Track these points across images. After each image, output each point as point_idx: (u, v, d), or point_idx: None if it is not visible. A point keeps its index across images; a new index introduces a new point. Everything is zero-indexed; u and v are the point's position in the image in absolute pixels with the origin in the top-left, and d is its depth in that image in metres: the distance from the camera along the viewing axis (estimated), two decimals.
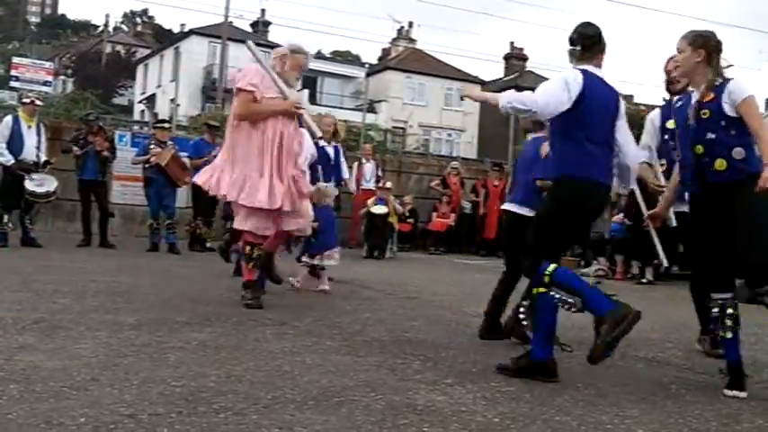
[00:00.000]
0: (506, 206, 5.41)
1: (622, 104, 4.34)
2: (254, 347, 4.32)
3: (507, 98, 4.01)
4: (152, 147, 11.31)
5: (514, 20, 78.11)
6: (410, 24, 53.32)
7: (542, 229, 4.13)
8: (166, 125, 12.36)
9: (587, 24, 4.21)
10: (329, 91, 45.08)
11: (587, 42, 4.17)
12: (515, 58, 54.03)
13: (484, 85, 49.99)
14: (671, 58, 5.29)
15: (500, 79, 53.32)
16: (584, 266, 12.13)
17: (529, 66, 54.08)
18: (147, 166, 11.30)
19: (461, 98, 5.00)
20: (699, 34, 4.13)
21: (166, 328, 4.70)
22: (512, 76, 52.47)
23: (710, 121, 4.00)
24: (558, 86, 4.02)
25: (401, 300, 7.10)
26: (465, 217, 16.12)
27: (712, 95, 4.02)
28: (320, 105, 34.01)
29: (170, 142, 11.56)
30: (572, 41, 4.20)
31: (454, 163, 17.40)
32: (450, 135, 45.68)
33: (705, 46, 4.08)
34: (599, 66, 4.20)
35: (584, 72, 4.07)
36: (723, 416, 3.47)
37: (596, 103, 4.06)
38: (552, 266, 3.97)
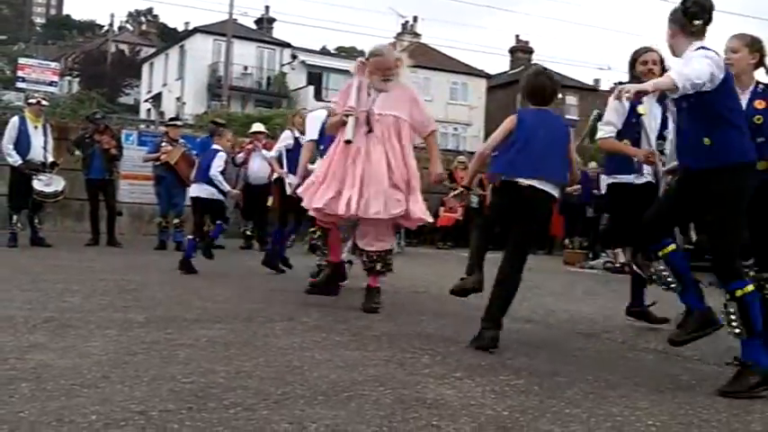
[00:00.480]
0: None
1: None
2: (263, 343, 4.33)
3: (681, 79, 3.61)
4: (163, 145, 11.32)
5: (519, 13, 77.97)
6: (414, 19, 53.23)
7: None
8: (178, 123, 12.36)
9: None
10: (335, 87, 45.04)
11: (707, 17, 3.85)
12: (521, 51, 53.99)
13: (489, 78, 50.02)
14: (647, 50, 5.40)
15: (505, 72, 53.27)
16: (591, 259, 12.14)
17: (534, 59, 54.00)
18: (157, 164, 11.33)
19: (618, 99, 4.44)
20: (755, 38, 4.24)
21: (176, 326, 4.71)
22: (517, 70, 52.41)
23: (763, 126, 4.18)
24: (711, 62, 3.70)
25: (409, 294, 7.10)
26: (472, 211, 16.11)
27: (764, 103, 4.17)
28: (326, 101, 33.99)
29: (181, 140, 11.57)
30: (694, 15, 3.82)
31: (461, 157, 17.35)
32: (456, 129, 45.64)
33: (761, 50, 4.16)
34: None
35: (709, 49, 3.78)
36: (734, 406, 3.47)
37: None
38: (749, 288, 3.84)
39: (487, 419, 3.03)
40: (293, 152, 8.19)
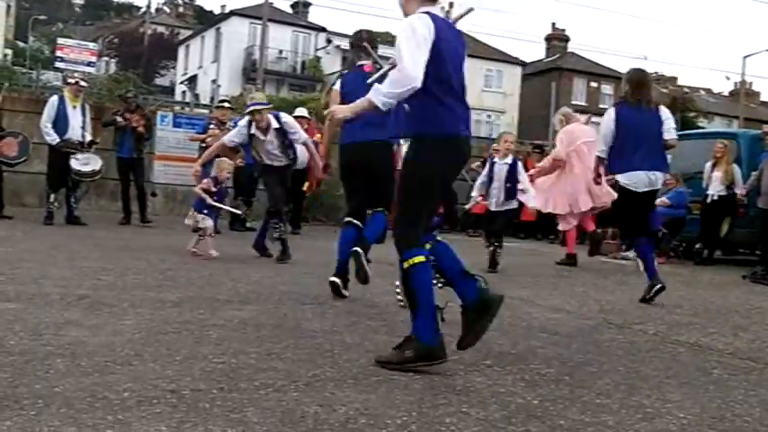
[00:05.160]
0: None
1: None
2: (294, 326, 4.35)
3: (379, 99, 3.50)
4: (211, 127, 11.33)
5: (556, 0, 77.06)
6: (450, 5, 52.89)
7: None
8: (226, 105, 12.33)
9: None
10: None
11: None
12: (557, 39, 53.51)
13: (524, 66, 49.63)
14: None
15: (540, 60, 52.82)
16: (625, 250, 12.01)
17: (570, 47, 53.48)
18: (202, 145, 11.37)
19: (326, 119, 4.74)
20: None
21: (208, 306, 4.75)
22: (552, 57, 51.96)
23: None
24: (413, 43, 3.46)
25: (439, 280, 7.07)
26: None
27: None
28: None
29: (230, 123, 11.55)
30: None
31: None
32: (489, 117, 45.41)
33: None
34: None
35: (430, 15, 3.57)
36: (767, 401, 3.42)
37: (447, 50, 3.57)
38: (420, 258, 3.62)
39: (517, 407, 3.02)
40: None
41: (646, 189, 6.46)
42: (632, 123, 6.50)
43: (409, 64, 3.42)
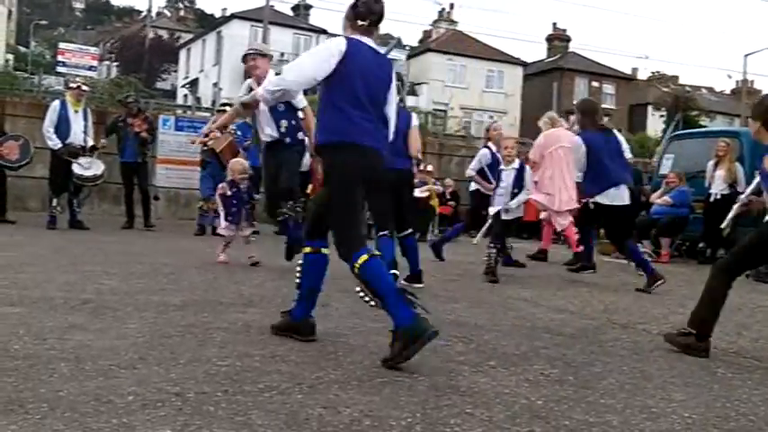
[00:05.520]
0: None
1: (394, 86, 4.15)
2: None
3: (261, 93, 4.06)
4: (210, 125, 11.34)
5: (557, 0, 77.11)
6: (451, 6, 52.98)
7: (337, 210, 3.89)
8: (227, 109, 12.33)
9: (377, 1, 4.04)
10: None
11: (375, 18, 4.03)
12: (558, 39, 53.54)
13: (526, 66, 49.63)
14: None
15: (542, 60, 52.82)
16: None
17: (571, 47, 53.48)
18: (204, 148, 11.38)
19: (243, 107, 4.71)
20: None
21: (211, 309, 4.76)
22: (554, 58, 51.97)
23: None
24: (321, 55, 3.92)
25: (443, 282, 7.09)
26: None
27: None
28: None
29: (232, 127, 11.52)
30: (363, 16, 3.99)
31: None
32: (491, 117, 45.33)
33: None
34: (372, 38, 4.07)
35: (349, 39, 3.93)
36: None
37: (361, 70, 3.88)
38: (364, 257, 3.71)
39: (521, 408, 3.02)
40: (492, 167, 8.92)
41: (623, 203, 7.33)
42: (600, 146, 7.42)
43: (290, 69, 3.98)
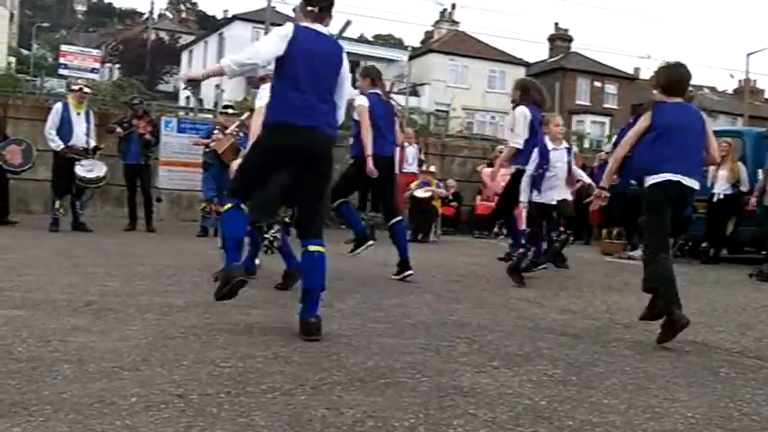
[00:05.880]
0: None
1: (345, 66, 4.45)
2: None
3: (227, 62, 4.29)
4: (215, 133, 11.35)
5: (559, 0, 77.03)
6: (453, 6, 52.99)
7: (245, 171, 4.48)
8: (230, 111, 12.37)
9: None
10: None
11: (325, 5, 4.38)
12: (560, 39, 53.47)
13: (528, 66, 49.60)
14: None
15: (544, 61, 52.78)
16: (630, 249, 12.00)
17: (574, 47, 53.44)
18: (206, 150, 11.39)
19: (185, 86, 5.25)
20: None
21: (214, 311, 4.76)
22: (556, 58, 51.92)
23: None
24: (272, 38, 4.32)
25: (446, 283, 7.09)
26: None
27: None
28: None
29: (234, 129, 11.52)
30: (312, 2, 4.34)
31: (500, 147, 17.19)
32: (493, 118, 45.33)
33: None
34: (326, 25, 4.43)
35: (296, 26, 4.32)
36: None
37: (304, 54, 4.24)
38: (228, 206, 4.36)
39: (525, 409, 3.02)
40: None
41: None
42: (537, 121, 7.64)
43: (259, 45, 4.35)
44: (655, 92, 4.83)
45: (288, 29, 4.25)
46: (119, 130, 11.30)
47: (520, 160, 7.56)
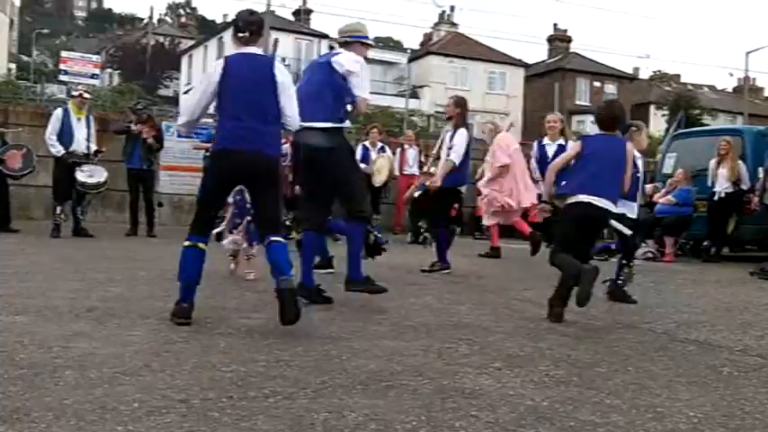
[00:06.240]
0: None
1: (279, 77, 4.61)
2: (301, 333, 4.34)
3: (177, 125, 4.98)
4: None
5: (558, 0, 77.06)
6: (452, 8, 53.10)
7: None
8: None
9: (252, 12, 4.75)
10: (371, 77, 44.56)
11: (254, 28, 4.65)
12: (559, 39, 53.51)
13: (527, 67, 49.63)
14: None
15: (543, 62, 52.82)
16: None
17: (573, 47, 53.47)
18: (206, 154, 11.40)
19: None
20: None
21: (216, 315, 4.76)
22: (555, 58, 51.96)
23: None
24: (197, 90, 4.76)
25: (447, 284, 7.09)
26: None
27: None
28: None
29: None
30: (242, 29, 4.60)
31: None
32: (494, 119, 45.30)
33: None
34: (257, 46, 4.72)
35: (228, 58, 4.66)
36: None
37: (238, 83, 4.52)
38: (186, 243, 4.63)
39: (527, 409, 3.01)
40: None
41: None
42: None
43: (184, 102, 5.20)
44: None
45: (217, 66, 4.58)
46: (134, 127, 11.27)
47: (455, 180, 8.07)
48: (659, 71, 57.04)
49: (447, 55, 47.44)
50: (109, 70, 53.40)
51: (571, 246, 5.30)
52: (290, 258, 4.51)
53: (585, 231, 5.45)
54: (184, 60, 53.19)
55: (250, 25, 4.59)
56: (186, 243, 4.58)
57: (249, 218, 6.44)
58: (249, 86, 4.50)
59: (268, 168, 4.58)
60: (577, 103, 47.82)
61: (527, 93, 48.14)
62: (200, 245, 4.59)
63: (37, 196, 13.24)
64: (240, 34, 4.58)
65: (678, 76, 58.65)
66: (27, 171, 10.93)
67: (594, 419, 2.93)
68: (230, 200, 6.65)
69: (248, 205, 6.55)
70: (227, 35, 45.24)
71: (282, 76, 4.62)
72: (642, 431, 2.85)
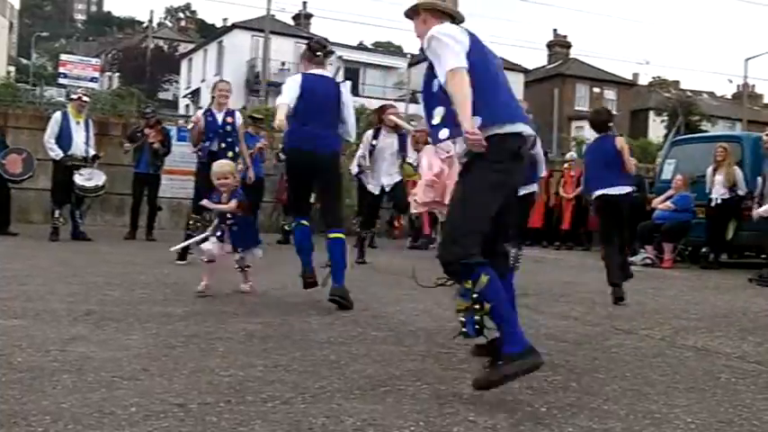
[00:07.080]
0: None
1: (344, 96, 5.77)
2: (300, 337, 4.35)
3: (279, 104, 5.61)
4: None
5: (557, 6, 77.21)
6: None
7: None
8: (257, 116, 12.46)
9: (325, 40, 5.81)
10: (371, 82, 45.04)
11: (326, 51, 5.86)
12: (559, 45, 53.54)
13: (527, 73, 49.67)
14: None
15: (543, 67, 52.86)
16: (631, 255, 12.01)
17: (572, 53, 53.52)
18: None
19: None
20: None
21: (214, 319, 4.76)
22: (555, 64, 52.00)
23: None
24: (289, 84, 5.65)
25: (447, 290, 7.07)
26: None
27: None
28: (362, 97, 33.98)
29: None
30: (316, 50, 5.76)
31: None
32: None
33: None
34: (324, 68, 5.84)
35: (303, 75, 5.68)
36: None
37: (310, 96, 5.52)
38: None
39: (525, 415, 3.01)
40: None
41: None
42: None
43: (281, 97, 5.61)
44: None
45: (297, 79, 5.64)
46: (127, 145, 11.43)
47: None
48: (659, 77, 57.00)
49: None
50: (108, 74, 53.36)
51: (611, 237, 6.84)
52: (346, 254, 5.51)
53: (611, 217, 6.80)
54: (184, 64, 53.18)
55: (323, 47, 5.83)
56: (293, 224, 5.77)
57: (225, 225, 6.06)
58: (318, 99, 5.55)
59: (323, 164, 5.58)
60: (577, 108, 47.81)
61: (526, 98, 47.96)
62: (303, 222, 5.68)
63: (36, 200, 13.26)
64: (317, 54, 5.73)
65: (677, 82, 58.66)
66: (27, 176, 10.96)
67: (592, 425, 2.93)
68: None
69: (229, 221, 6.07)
70: (227, 39, 45.37)
71: (345, 93, 5.78)
72: None
